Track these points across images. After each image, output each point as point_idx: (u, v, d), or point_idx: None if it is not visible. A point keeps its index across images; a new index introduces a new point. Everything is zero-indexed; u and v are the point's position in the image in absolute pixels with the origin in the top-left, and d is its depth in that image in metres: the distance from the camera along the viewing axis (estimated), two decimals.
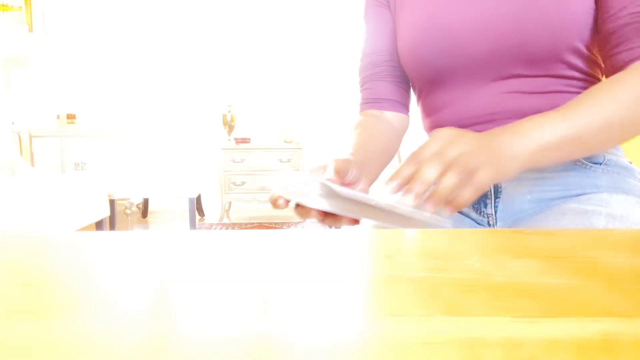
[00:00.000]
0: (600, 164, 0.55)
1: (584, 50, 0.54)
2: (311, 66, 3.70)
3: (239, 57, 3.67)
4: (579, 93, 0.55)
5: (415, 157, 0.41)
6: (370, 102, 0.71)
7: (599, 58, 0.57)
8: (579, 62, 0.55)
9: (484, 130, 0.59)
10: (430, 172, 0.39)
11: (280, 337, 0.15)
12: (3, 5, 3.30)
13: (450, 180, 0.39)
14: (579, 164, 0.55)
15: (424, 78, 0.64)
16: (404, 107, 0.71)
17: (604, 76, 0.59)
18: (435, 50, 0.59)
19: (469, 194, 0.39)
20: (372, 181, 0.61)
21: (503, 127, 0.45)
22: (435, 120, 0.65)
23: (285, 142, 3.32)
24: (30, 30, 3.42)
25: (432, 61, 0.60)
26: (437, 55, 0.60)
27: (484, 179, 0.39)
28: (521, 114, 0.56)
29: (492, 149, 0.41)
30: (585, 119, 0.44)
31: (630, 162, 0.58)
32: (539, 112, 0.55)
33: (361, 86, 0.73)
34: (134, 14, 3.57)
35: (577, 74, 0.56)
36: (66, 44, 3.52)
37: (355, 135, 0.63)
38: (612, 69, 0.52)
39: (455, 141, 0.41)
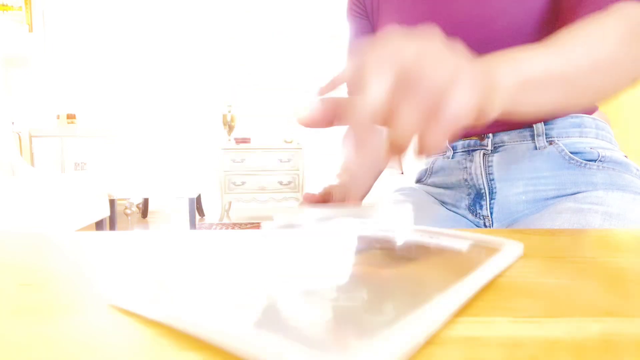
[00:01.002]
0: (595, 160, 0.55)
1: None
2: (311, 66, 3.70)
3: (239, 57, 3.67)
4: None
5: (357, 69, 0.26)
6: None
7: None
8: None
9: None
10: (375, 94, 0.24)
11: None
12: (3, 5, 3.30)
13: (409, 115, 0.24)
14: (573, 162, 0.55)
15: None
16: None
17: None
18: None
19: (439, 135, 0.24)
20: (364, 195, 0.60)
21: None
22: None
23: (285, 142, 3.32)
24: (30, 30, 3.42)
25: None
26: None
27: (461, 103, 0.24)
28: None
29: (466, 66, 0.26)
30: (570, 54, 0.37)
31: (626, 157, 0.57)
32: None
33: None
34: (134, 14, 3.57)
35: None
36: (66, 44, 3.52)
37: (345, 148, 0.61)
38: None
39: (414, 44, 0.26)
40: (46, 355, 0.14)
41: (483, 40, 0.55)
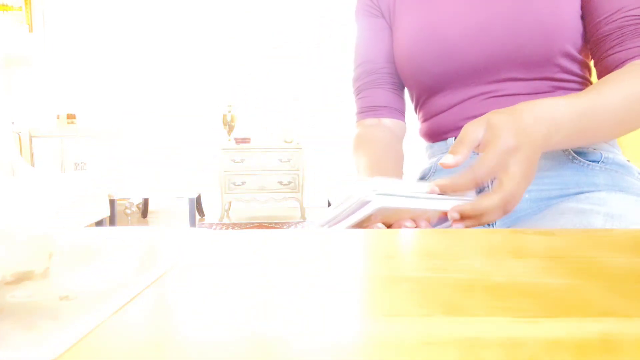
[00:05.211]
0: (598, 162, 0.55)
1: (575, 53, 0.57)
2: (311, 66, 3.70)
3: (239, 57, 3.67)
4: (570, 91, 0.58)
5: (472, 173, 0.41)
6: (368, 110, 0.72)
7: (589, 61, 0.60)
8: (570, 65, 0.57)
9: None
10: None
11: (279, 337, 0.15)
12: (3, 5, 3.31)
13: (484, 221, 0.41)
14: (576, 162, 0.56)
15: (422, 85, 0.66)
16: (401, 114, 0.73)
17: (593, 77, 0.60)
18: (432, 57, 0.61)
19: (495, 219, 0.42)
20: None
21: (542, 128, 0.43)
22: (432, 124, 0.68)
23: (285, 142, 3.32)
24: (30, 30, 3.42)
25: (429, 68, 0.62)
26: (433, 62, 0.62)
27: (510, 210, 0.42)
28: None
29: (530, 174, 0.41)
30: (592, 111, 0.46)
31: (628, 160, 0.58)
32: None
33: (356, 95, 0.74)
34: (134, 14, 3.57)
35: (569, 77, 0.58)
36: (66, 44, 3.52)
37: (364, 154, 0.63)
38: (607, 70, 0.54)
39: (507, 163, 0.40)
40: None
41: (514, 42, 0.56)
